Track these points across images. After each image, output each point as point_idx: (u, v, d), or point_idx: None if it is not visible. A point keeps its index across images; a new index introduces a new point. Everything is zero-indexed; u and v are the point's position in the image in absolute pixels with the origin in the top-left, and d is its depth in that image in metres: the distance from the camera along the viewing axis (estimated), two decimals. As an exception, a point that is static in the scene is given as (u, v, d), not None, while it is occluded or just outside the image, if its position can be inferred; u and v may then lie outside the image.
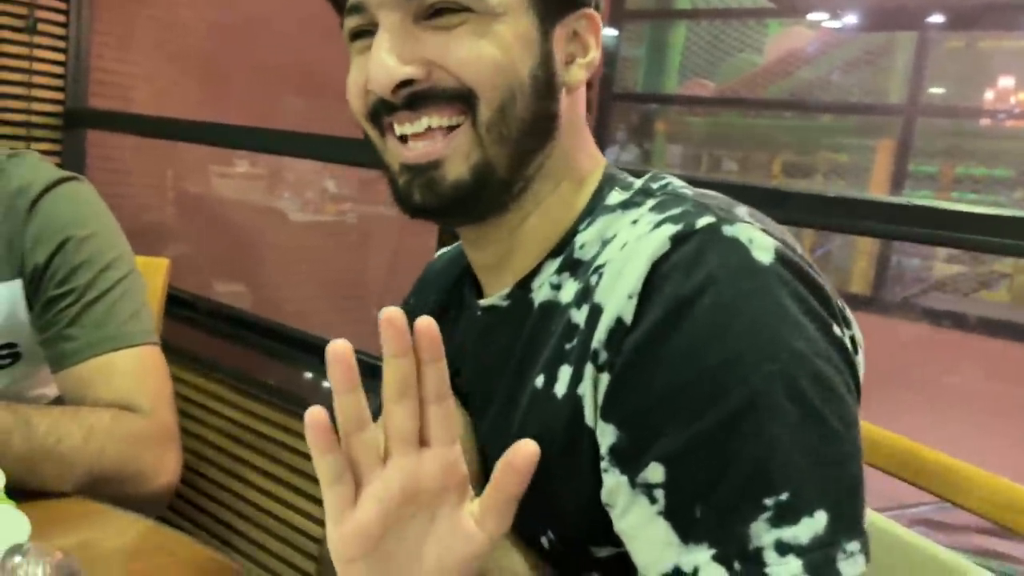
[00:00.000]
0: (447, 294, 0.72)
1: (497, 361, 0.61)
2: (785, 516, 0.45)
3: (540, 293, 0.60)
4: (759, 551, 0.45)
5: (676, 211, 0.53)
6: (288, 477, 1.57)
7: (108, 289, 0.95)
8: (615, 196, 0.61)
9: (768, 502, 0.45)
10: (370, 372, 0.46)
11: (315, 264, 1.95)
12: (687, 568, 0.47)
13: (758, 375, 0.46)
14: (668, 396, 0.48)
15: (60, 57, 2.11)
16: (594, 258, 0.57)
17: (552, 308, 0.59)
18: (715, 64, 3.79)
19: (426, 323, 0.44)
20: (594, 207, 0.61)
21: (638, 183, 0.61)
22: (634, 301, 0.50)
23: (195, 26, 2.07)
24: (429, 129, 0.57)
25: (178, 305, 1.89)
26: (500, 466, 0.46)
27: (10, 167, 0.96)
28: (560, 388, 0.55)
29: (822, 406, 0.47)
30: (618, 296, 0.51)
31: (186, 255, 1.79)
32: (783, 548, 0.45)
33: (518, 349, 0.60)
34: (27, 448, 0.81)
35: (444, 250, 0.80)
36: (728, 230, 0.50)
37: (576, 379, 0.54)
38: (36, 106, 2.09)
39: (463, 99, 0.55)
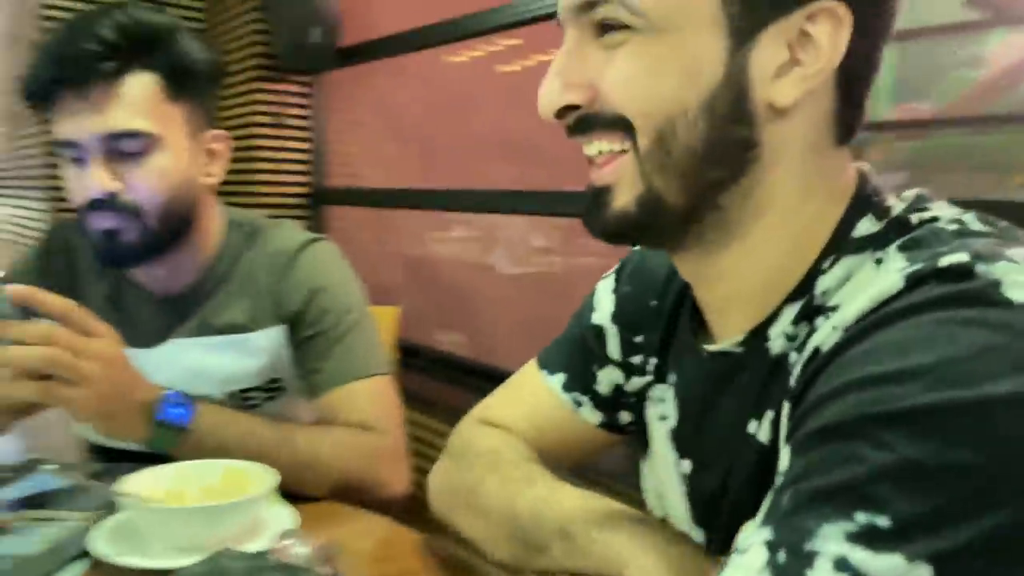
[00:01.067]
0: (666, 306, 0.69)
1: (723, 407, 0.59)
2: (869, 540, 0.38)
3: (776, 344, 0.54)
4: (812, 555, 0.38)
5: (927, 252, 0.46)
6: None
7: (349, 330, 1.12)
8: (865, 226, 0.52)
9: (861, 518, 0.38)
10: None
11: (523, 311, 2.08)
12: (743, 546, 0.43)
13: (922, 397, 0.39)
14: (819, 398, 0.44)
15: (304, 145, 2.46)
16: (830, 301, 0.51)
17: (785, 361, 0.54)
18: (929, 85, 3.56)
19: None
20: (840, 240, 0.53)
21: (898, 209, 0.52)
22: (839, 332, 0.45)
23: (411, 105, 2.32)
24: (601, 153, 0.54)
25: (407, 354, 2.09)
26: None
27: (271, 231, 1.18)
28: (763, 434, 0.54)
29: (987, 465, 0.37)
30: (825, 332, 0.47)
31: (410, 309, 1.99)
32: (843, 567, 0.38)
33: (743, 397, 0.57)
34: (290, 459, 0.98)
35: None
36: (982, 268, 0.42)
37: (776, 421, 0.52)
38: (285, 189, 2.44)
39: (624, 126, 0.51)
